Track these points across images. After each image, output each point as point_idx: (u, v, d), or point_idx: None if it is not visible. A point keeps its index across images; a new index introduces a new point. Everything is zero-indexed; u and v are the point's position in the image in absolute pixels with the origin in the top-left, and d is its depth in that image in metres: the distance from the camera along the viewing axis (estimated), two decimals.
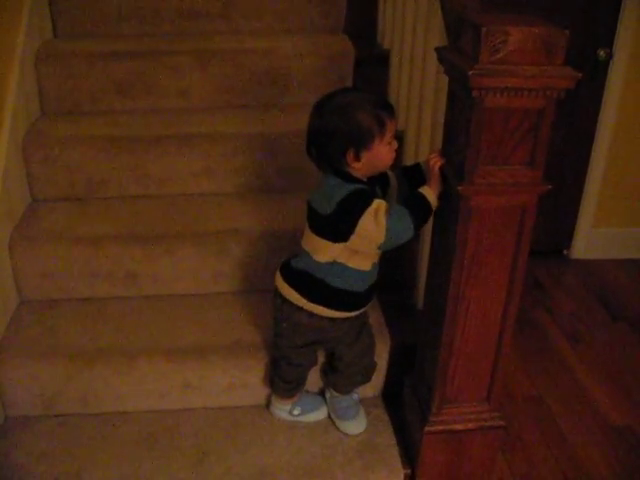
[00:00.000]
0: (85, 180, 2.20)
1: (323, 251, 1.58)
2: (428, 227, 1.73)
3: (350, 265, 1.58)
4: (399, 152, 2.26)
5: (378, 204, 1.48)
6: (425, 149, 1.92)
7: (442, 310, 1.57)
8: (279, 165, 2.24)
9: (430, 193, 1.50)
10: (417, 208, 1.49)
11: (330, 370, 1.88)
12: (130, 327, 1.97)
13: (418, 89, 2.00)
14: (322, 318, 1.66)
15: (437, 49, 1.51)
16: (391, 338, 1.95)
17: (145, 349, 1.89)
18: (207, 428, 1.88)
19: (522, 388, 2.32)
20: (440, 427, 1.70)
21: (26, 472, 1.74)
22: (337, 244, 1.54)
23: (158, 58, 2.34)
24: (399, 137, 2.26)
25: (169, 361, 1.87)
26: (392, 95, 2.39)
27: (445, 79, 1.54)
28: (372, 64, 2.49)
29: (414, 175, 1.63)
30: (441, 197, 1.51)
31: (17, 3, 2.21)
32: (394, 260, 1.56)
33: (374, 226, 1.46)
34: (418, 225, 1.50)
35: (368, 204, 1.47)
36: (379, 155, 1.51)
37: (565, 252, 3.21)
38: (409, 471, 1.80)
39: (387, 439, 1.88)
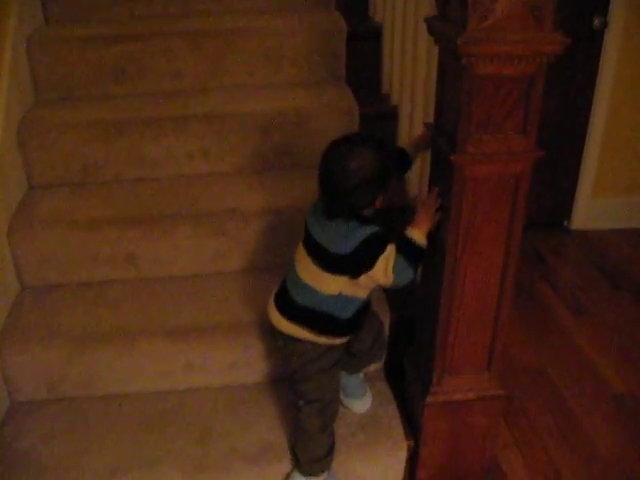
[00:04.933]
0: (81, 165, 2.20)
1: (329, 284, 1.54)
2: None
3: (358, 296, 1.58)
4: (394, 128, 2.28)
5: (390, 251, 1.48)
6: (419, 123, 1.92)
7: (439, 281, 1.58)
8: (274, 143, 2.24)
9: (418, 235, 1.51)
10: (412, 256, 1.50)
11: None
12: (130, 309, 1.98)
13: (411, 62, 2.00)
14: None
15: (426, 19, 1.50)
16: (391, 311, 1.95)
17: (146, 330, 1.89)
18: (210, 407, 1.89)
19: (525, 360, 2.33)
20: (441, 398, 1.71)
21: (32, 456, 1.75)
22: (343, 277, 1.52)
23: (150, 40, 2.32)
24: (393, 112, 2.29)
25: (170, 341, 1.88)
26: (385, 69, 2.39)
27: (437, 50, 1.53)
28: (365, 39, 2.48)
29: (403, 159, 1.64)
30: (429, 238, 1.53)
31: None
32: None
33: (383, 274, 1.48)
34: (417, 267, 1.52)
35: (384, 250, 1.48)
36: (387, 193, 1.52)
37: (565, 223, 3.21)
38: (412, 442, 1.80)
39: (390, 412, 1.89)
